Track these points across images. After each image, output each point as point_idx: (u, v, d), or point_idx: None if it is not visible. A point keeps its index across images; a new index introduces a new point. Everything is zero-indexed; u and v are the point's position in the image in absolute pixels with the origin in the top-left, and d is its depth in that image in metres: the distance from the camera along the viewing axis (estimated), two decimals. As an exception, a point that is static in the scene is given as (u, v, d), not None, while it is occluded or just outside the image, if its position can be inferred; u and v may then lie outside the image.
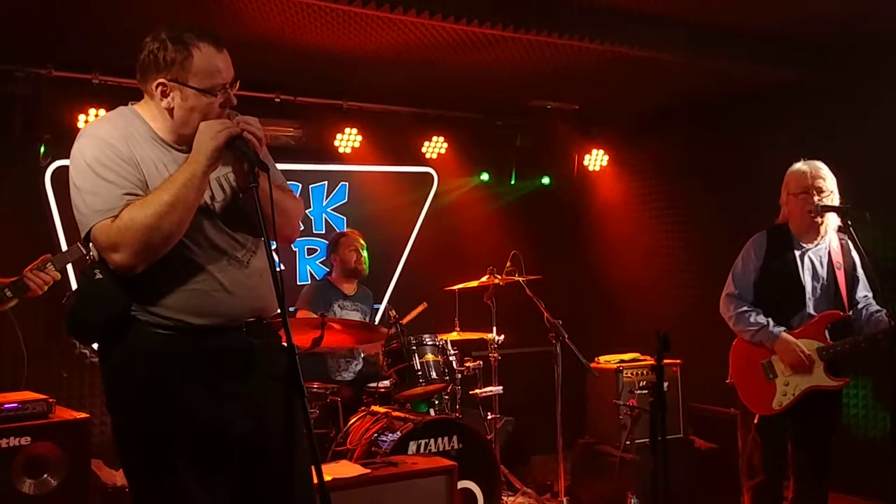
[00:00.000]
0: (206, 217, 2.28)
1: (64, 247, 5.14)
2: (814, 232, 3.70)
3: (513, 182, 6.78)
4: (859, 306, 3.70)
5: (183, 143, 2.30)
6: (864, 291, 3.73)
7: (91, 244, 2.27)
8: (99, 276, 2.25)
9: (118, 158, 2.21)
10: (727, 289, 3.81)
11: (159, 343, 2.24)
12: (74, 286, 4.08)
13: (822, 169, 3.68)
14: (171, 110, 2.28)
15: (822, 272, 3.70)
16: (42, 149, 4.98)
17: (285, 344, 2.15)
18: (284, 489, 2.35)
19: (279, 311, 2.20)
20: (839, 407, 3.69)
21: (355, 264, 5.22)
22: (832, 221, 3.71)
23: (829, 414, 3.67)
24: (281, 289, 2.18)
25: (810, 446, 3.68)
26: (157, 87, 2.26)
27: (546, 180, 7.08)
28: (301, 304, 5.20)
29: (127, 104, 2.37)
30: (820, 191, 3.63)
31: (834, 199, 3.66)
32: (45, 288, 3.69)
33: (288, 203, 2.43)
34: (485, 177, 6.86)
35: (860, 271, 3.73)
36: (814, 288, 3.68)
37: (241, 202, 2.33)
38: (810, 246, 3.71)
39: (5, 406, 3.75)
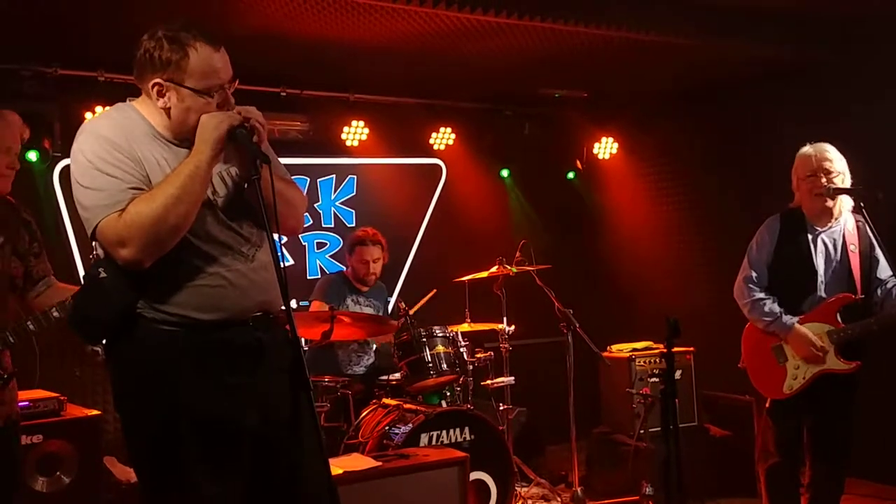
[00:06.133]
0: (209, 212, 2.27)
1: (74, 244, 5.16)
2: (826, 215, 3.66)
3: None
4: (889, 286, 3.63)
5: (182, 140, 2.28)
6: (888, 271, 3.66)
7: (97, 242, 2.26)
8: (103, 274, 2.24)
9: (120, 154, 2.20)
10: (744, 272, 3.76)
11: (165, 340, 2.23)
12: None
13: (830, 151, 3.64)
14: (167, 110, 2.26)
15: (835, 255, 3.65)
16: (37, 154, 4.98)
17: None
18: (294, 482, 2.35)
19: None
20: (854, 390, 3.64)
21: (363, 276, 5.19)
22: (846, 203, 3.66)
23: (843, 397, 3.63)
24: (285, 282, 2.16)
25: (825, 430, 3.64)
26: (153, 86, 2.24)
27: (571, 175, 7.06)
28: (315, 296, 5.19)
29: (126, 101, 2.36)
30: (827, 173, 3.59)
31: (844, 180, 3.61)
32: None
33: (291, 193, 2.42)
34: (505, 173, 6.86)
35: (879, 252, 3.67)
36: (826, 271, 3.64)
37: (245, 195, 2.31)
38: (823, 229, 3.67)
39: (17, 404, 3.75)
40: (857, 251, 3.65)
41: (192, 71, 2.21)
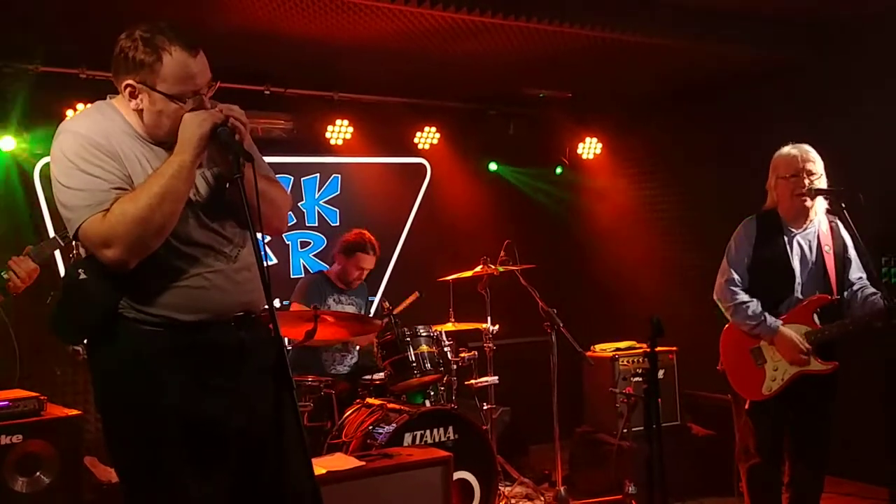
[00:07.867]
0: (191, 213, 2.25)
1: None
2: (803, 216, 3.68)
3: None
4: (854, 288, 3.67)
5: (158, 141, 2.26)
6: (857, 273, 3.70)
7: (79, 242, 2.24)
8: (83, 276, 2.22)
9: (101, 153, 2.18)
10: (725, 275, 3.76)
11: (147, 340, 2.22)
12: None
13: (811, 152, 3.67)
14: (140, 112, 2.24)
15: (811, 256, 3.67)
16: (15, 139, 4.95)
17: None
18: (278, 483, 2.33)
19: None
20: (833, 390, 3.66)
21: (352, 279, 5.16)
22: (820, 204, 3.69)
23: (822, 398, 3.65)
24: (268, 282, 2.15)
25: (805, 430, 3.66)
26: (125, 87, 2.22)
27: (559, 170, 7.07)
28: (295, 297, 5.17)
29: (106, 97, 2.33)
30: (810, 174, 3.61)
31: (822, 181, 3.65)
32: (28, 282, 3.61)
33: (274, 193, 2.41)
34: (493, 167, 6.87)
35: (852, 253, 3.70)
36: (802, 273, 3.66)
37: (228, 195, 2.30)
38: (799, 230, 3.69)
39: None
40: (831, 252, 3.68)
41: (165, 75, 2.18)
